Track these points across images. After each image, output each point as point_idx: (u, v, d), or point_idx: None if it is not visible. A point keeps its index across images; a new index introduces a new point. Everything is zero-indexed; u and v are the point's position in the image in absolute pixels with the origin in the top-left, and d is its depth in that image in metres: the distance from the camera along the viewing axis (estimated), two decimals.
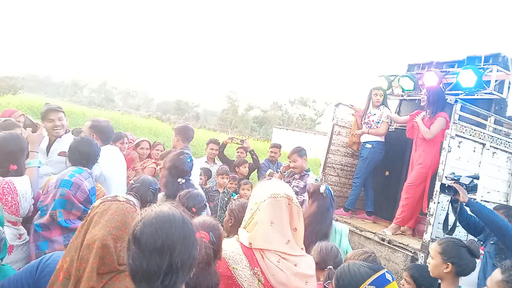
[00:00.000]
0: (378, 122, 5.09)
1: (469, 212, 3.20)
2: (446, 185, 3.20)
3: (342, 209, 5.23)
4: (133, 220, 1.18)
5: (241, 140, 6.02)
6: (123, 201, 1.49)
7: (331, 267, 2.14)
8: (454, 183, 3.16)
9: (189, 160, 3.11)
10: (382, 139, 5.11)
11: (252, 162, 5.89)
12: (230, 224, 2.26)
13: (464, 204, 3.13)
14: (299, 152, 4.37)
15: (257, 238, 1.66)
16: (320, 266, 2.19)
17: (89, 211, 1.51)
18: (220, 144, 5.76)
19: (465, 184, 3.13)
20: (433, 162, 4.27)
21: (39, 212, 2.23)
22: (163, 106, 65.46)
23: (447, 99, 4.22)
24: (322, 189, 3.00)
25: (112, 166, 3.28)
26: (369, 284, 1.52)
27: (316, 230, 2.84)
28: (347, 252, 2.86)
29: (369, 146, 5.11)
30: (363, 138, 5.24)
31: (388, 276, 1.56)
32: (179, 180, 2.95)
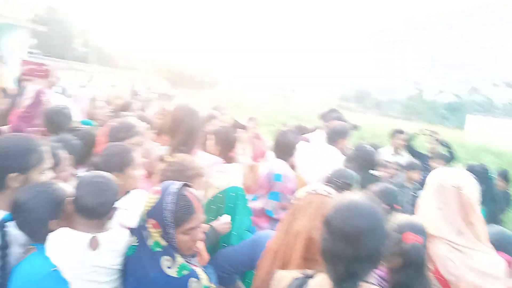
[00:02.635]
0: None
1: None
2: None
3: None
4: None
5: (432, 131, 5.45)
6: (325, 195, 1.56)
7: None
8: None
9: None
10: None
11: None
12: None
13: None
14: None
15: (424, 222, 1.54)
16: None
17: (293, 202, 1.63)
18: (408, 134, 5.36)
19: None
20: None
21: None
22: (341, 93, 65.26)
23: None
24: None
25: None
26: None
27: None
28: None
29: None
30: None
31: None
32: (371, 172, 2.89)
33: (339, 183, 2.36)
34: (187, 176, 1.81)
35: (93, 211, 1.47)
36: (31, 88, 3.02)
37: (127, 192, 1.92)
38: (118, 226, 1.61)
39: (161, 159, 2.12)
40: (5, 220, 1.44)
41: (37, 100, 3.00)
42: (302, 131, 4.40)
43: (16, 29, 17.55)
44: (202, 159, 2.37)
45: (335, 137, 3.42)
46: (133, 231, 1.49)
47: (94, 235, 1.43)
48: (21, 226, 1.47)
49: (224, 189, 2.08)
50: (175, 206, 1.37)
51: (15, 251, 1.48)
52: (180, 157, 2.02)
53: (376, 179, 2.86)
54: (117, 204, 1.56)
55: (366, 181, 2.73)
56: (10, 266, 1.43)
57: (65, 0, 35.26)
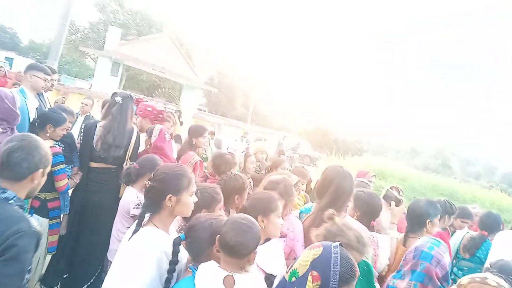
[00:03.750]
0: None
1: None
2: None
3: None
4: None
5: None
6: (494, 286, 1.36)
7: None
8: None
9: None
10: None
11: None
12: None
13: None
14: None
15: None
16: None
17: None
18: None
19: None
20: None
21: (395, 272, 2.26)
22: (509, 177, 55.91)
23: None
24: None
25: None
26: None
27: None
28: None
29: None
30: None
31: None
32: None
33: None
34: (348, 240, 1.77)
35: (233, 249, 1.53)
36: (157, 127, 3.49)
37: (268, 239, 2.00)
38: (256, 270, 1.66)
39: (328, 217, 2.08)
40: (180, 239, 1.64)
41: (161, 137, 3.44)
42: (466, 215, 3.81)
43: (193, 89, 20.94)
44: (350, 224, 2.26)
45: None
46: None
47: (231, 274, 1.48)
48: (188, 247, 1.68)
49: (359, 261, 1.90)
50: (341, 265, 1.36)
51: (181, 268, 1.70)
52: (343, 221, 2.00)
53: None
54: (258, 248, 1.60)
55: None
56: (174, 281, 1.62)
57: (233, 67, 40.59)
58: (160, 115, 3.78)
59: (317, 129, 43.31)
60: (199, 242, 1.64)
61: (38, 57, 24.56)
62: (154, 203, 1.74)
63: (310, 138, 38.49)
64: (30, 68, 3.33)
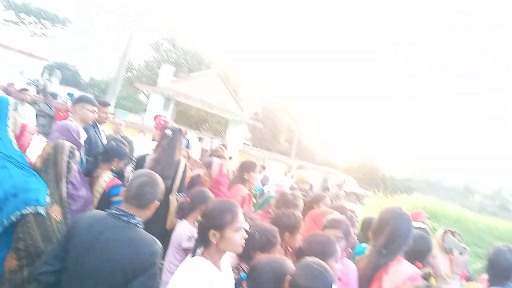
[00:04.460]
0: None
1: None
2: None
3: None
4: None
5: None
6: None
7: None
8: None
9: None
10: None
11: None
12: None
13: None
14: None
15: None
16: None
17: None
18: None
19: None
20: None
21: None
22: None
23: None
24: None
25: None
26: None
27: None
28: None
29: None
30: None
31: None
32: None
33: None
34: None
35: None
36: (216, 161, 3.68)
37: None
38: None
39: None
40: (242, 279, 1.76)
41: (221, 172, 3.65)
42: None
43: (239, 124, 21.37)
44: (406, 269, 2.14)
45: None
46: None
47: None
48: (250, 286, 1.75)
49: None
50: None
51: None
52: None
53: None
54: None
55: None
56: None
57: (278, 101, 41.18)
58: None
59: (362, 165, 42.04)
60: (261, 284, 1.65)
61: (97, 93, 26.39)
62: (202, 237, 1.78)
63: (356, 174, 37.39)
64: (79, 100, 3.39)
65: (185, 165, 3.47)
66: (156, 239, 1.89)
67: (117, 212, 1.88)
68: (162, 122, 3.91)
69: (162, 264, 1.93)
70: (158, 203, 2.04)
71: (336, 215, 2.54)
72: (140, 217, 1.93)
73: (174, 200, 3.26)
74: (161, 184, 2.06)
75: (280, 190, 4.18)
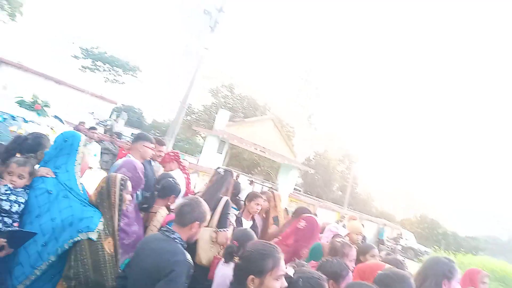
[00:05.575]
0: None
1: None
2: None
3: None
4: None
5: None
6: None
7: None
8: None
9: None
10: None
11: None
12: None
13: None
14: None
15: None
16: None
17: None
18: None
19: None
20: None
21: None
22: None
23: None
24: None
25: None
26: None
27: None
28: None
29: None
30: None
31: None
32: None
33: None
34: None
35: None
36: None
37: None
38: None
39: None
40: None
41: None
42: None
43: (290, 169, 21.25)
44: None
45: None
46: None
47: None
48: None
49: None
50: None
51: None
52: None
53: None
54: None
55: None
56: None
57: (329, 147, 40.75)
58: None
59: (422, 219, 39.37)
60: None
61: (158, 134, 27.94)
62: (239, 282, 1.69)
63: (414, 228, 35.03)
64: (140, 138, 3.60)
65: (227, 202, 3.45)
66: (186, 252, 2.08)
67: (164, 229, 2.20)
68: (172, 154, 4.24)
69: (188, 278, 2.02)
70: (201, 223, 2.27)
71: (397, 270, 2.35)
72: (183, 234, 2.18)
73: (208, 233, 3.16)
74: (204, 208, 2.29)
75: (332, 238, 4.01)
